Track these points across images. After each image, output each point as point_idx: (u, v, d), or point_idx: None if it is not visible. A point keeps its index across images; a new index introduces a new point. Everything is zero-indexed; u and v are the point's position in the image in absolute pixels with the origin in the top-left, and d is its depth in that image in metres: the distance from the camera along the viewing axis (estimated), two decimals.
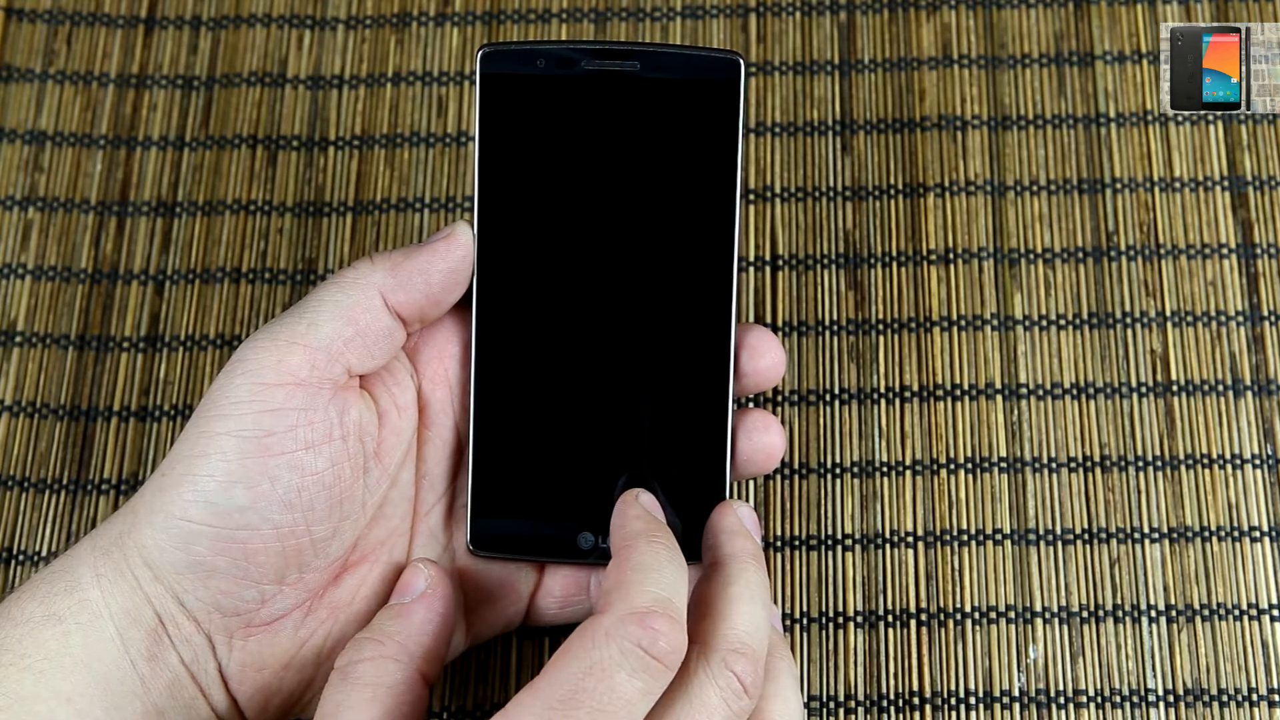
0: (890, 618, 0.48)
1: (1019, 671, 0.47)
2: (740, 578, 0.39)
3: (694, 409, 0.43)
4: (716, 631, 0.37)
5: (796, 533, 0.49)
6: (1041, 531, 0.49)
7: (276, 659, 0.40)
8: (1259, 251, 0.52)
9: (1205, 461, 0.50)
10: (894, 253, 0.53)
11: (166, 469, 0.39)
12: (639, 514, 0.39)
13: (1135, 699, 0.47)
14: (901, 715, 0.47)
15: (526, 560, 0.44)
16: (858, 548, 0.49)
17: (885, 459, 0.50)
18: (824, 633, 0.48)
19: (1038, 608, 0.48)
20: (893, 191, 0.54)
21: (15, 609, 0.38)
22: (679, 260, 0.43)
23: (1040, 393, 0.51)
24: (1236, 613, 0.48)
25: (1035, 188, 0.54)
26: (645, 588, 0.36)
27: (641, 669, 0.34)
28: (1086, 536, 0.49)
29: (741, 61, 0.42)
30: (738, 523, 0.41)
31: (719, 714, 0.36)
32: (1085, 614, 0.48)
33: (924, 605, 0.48)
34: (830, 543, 0.49)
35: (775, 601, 0.48)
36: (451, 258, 0.42)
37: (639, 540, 0.38)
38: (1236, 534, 0.49)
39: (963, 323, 0.52)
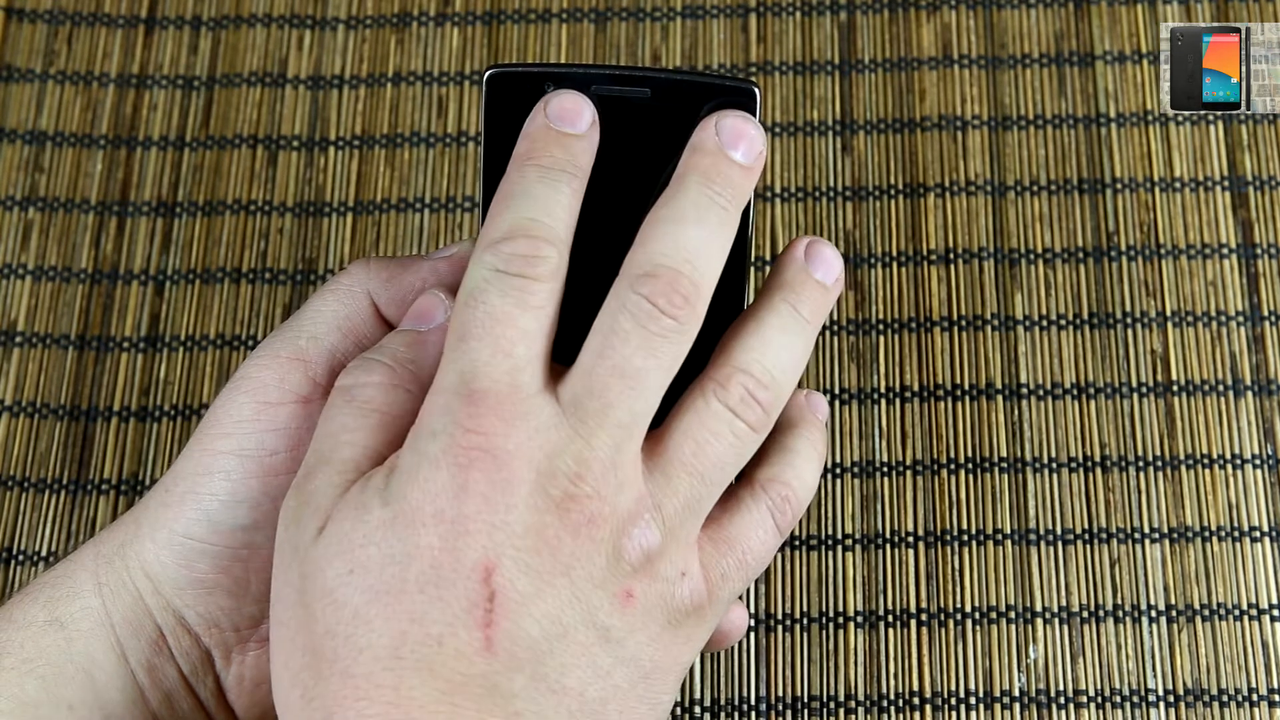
0: (890, 618, 0.48)
1: (1019, 671, 0.47)
2: (673, 199, 0.34)
3: None
4: (629, 259, 0.34)
5: (797, 533, 0.49)
6: (1042, 531, 0.49)
7: None
8: (1259, 251, 0.52)
9: (1205, 461, 0.50)
10: (894, 253, 0.53)
11: (170, 484, 0.39)
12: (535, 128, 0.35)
13: (1135, 699, 0.47)
14: (901, 715, 0.47)
15: None
16: (858, 548, 0.49)
17: (885, 459, 0.50)
18: (824, 633, 0.48)
19: (1038, 608, 0.48)
20: (893, 191, 0.54)
21: (18, 612, 0.38)
22: None
23: (1041, 393, 0.51)
24: (1236, 613, 0.48)
25: (1035, 188, 0.54)
26: (503, 216, 0.33)
27: (511, 288, 0.32)
28: (1087, 536, 0.49)
29: (757, 91, 0.40)
30: (708, 138, 0.35)
31: (634, 339, 0.33)
32: (1085, 614, 0.48)
33: (924, 605, 0.48)
34: (830, 543, 0.49)
35: (773, 604, 0.48)
36: (449, 279, 0.41)
37: (510, 169, 0.34)
38: (1236, 534, 0.49)
39: (963, 323, 0.52)
